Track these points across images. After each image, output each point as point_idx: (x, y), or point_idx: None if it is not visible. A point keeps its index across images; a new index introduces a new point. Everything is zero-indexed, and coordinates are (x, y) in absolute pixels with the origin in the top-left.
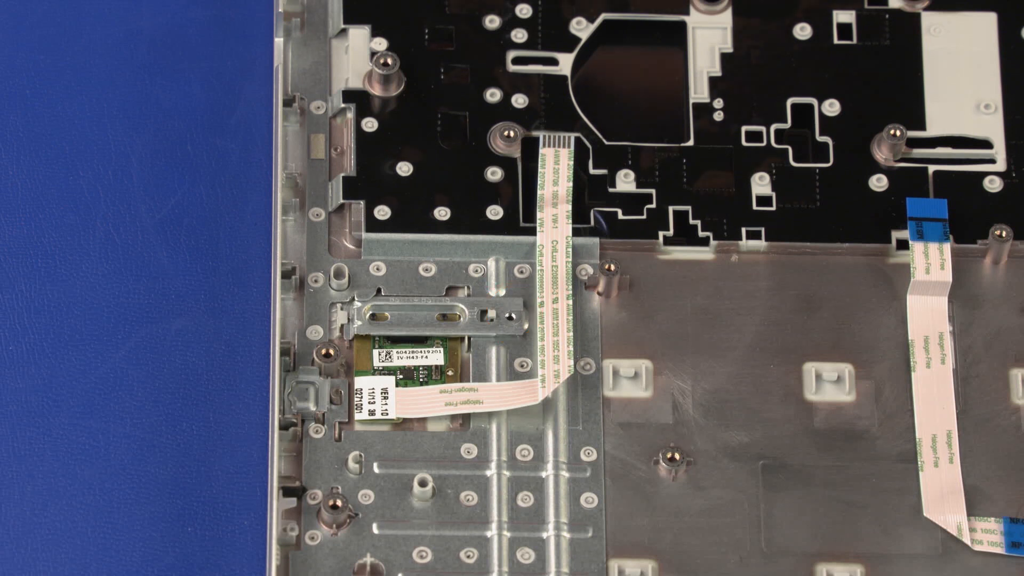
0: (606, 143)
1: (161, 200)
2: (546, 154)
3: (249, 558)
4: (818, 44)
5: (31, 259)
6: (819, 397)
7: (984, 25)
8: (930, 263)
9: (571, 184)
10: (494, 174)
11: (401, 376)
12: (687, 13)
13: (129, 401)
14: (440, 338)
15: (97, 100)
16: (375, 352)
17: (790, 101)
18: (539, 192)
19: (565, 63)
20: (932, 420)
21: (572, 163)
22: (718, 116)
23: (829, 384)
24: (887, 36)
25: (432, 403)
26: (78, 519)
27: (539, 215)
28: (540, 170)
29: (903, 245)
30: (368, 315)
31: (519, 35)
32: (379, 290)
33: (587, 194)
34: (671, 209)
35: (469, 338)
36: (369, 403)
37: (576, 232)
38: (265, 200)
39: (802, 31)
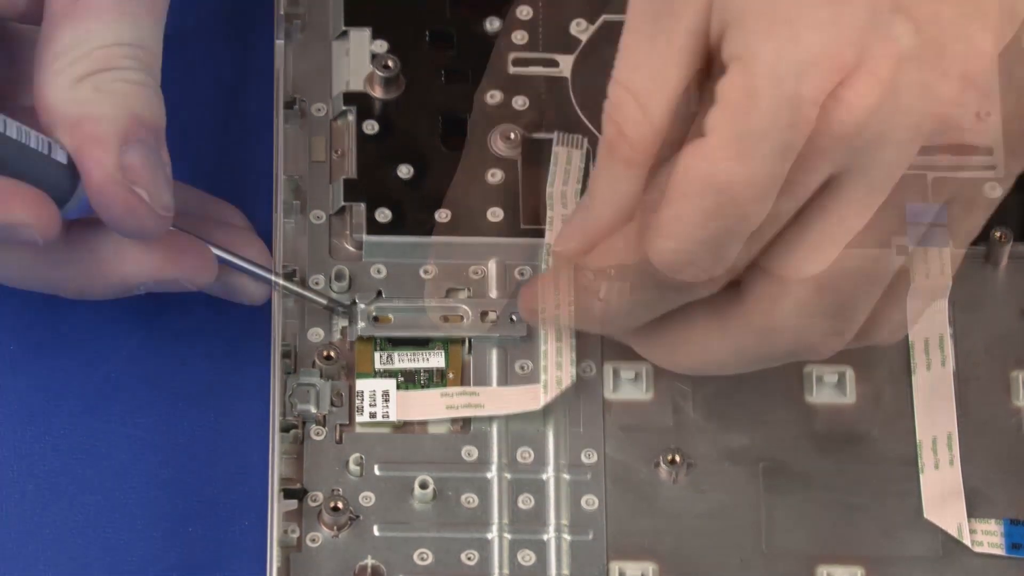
0: None
1: None
2: (559, 152)
3: (250, 560)
4: None
5: None
6: (819, 400)
7: None
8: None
9: (580, 186)
10: (494, 176)
11: (402, 379)
12: None
13: (129, 401)
14: (441, 340)
15: None
16: (376, 355)
17: None
18: (548, 189)
19: (566, 65)
20: (932, 422)
21: (583, 165)
22: None
23: (829, 387)
24: None
25: (433, 406)
26: (78, 519)
27: (548, 213)
28: (552, 168)
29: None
30: (370, 317)
31: (519, 36)
32: (380, 292)
33: None
34: None
35: (470, 341)
36: (370, 406)
37: None
38: (266, 202)
39: None
